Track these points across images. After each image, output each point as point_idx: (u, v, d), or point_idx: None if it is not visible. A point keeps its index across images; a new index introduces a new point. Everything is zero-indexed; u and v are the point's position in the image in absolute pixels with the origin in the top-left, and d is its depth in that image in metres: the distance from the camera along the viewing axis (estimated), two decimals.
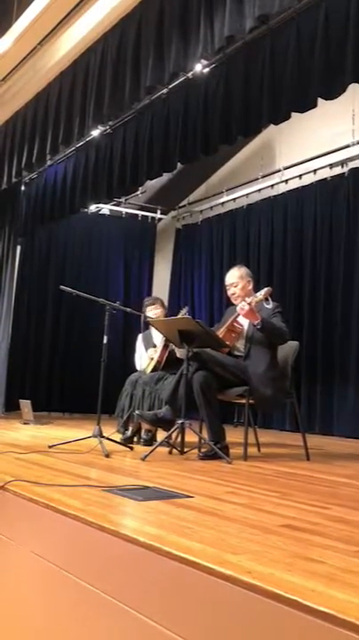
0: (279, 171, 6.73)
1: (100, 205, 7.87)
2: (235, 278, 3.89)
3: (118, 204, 8.01)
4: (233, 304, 3.95)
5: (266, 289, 3.61)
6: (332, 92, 3.80)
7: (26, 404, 5.88)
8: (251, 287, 3.88)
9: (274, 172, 6.83)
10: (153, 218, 8.33)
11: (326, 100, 3.88)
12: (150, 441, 4.22)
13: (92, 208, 7.86)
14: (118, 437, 4.18)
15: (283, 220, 6.66)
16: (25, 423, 5.70)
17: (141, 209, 8.19)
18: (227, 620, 1.25)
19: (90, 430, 3.72)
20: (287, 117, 4.23)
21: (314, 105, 3.96)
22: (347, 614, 1.06)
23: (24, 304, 7.43)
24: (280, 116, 4.23)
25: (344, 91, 3.76)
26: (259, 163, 7.08)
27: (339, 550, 1.53)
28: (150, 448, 3.51)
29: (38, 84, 5.35)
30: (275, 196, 6.83)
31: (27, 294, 7.49)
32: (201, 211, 7.92)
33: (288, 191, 6.65)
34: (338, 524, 1.86)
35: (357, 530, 1.80)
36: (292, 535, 1.68)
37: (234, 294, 3.88)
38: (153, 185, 7.44)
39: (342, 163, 6.05)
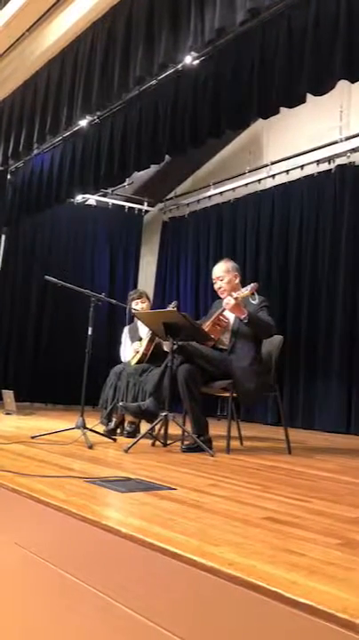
0: (266, 165, 6.73)
1: (87, 196, 7.81)
2: (222, 272, 3.89)
3: (105, 195, 7.96)
4: (219, 298, 3.96)
5: (252, 284, 3.62)
6: (321, 88, 3.80)
7: (8, 395, 5.85)
8: (237, 281, 3.89)
9: (261, 167, 6.83)
10: (139, 210, 8.29)
11: (315, 95, 3.88)
12: (134, 433, 4.23)
13: (79, 198, 7.80)
14: (102, 429, 4.18)
15: (269, 214, 6.68)
16: (7, 414, 5.67)
17: (128, 200, 8.15)
18: (208, 611, 1.27)
19: (73, 421, 3.72)
20: (276, 112, 4.23)
21: (303, 100, 3.96)
22: (327, 606, 1.08)
23: (8, 294, 7.37)
24: (269, 111, 4.23)
25: (333, 87, 3.76)
26: (246, 157, 7.08)
27: (320, 543, 1.55)
28: (133, 440, 3.52)
29: (26, 72, 5.28)
30: (261, 190, 6.84)
31: (12, 284, 7.43)
32: (188, 204, 7.91)
33: (275, 186, 6.66)
34: (318, 517, 1.89)
35: (337, 523, 1.82)
36: (274, 528, 1.70)
37: (220, 288, 3.89)
38: (140, 176, 7.40)
39: (329, 159, 6.07)
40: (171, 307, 4.10)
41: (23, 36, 5.01)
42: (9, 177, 7.03)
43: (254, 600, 1.18)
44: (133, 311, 4.49)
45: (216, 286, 3.93)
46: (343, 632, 1.03)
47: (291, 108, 4.12)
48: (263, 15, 4.01)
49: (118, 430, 4.37)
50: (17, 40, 5.07)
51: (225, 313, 3.77)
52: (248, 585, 1.20)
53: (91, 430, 3.64)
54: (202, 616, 1.27)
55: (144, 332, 4.59)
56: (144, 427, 4.14)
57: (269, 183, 6.75)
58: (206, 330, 3.72)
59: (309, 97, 3.93)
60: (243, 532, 1.63)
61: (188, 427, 3.63)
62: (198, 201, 7.74)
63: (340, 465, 3.41)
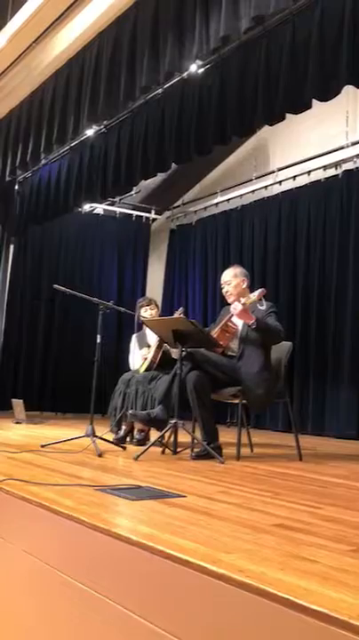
0: (273, 172, 6.74)
1: (94, 205, 7.86)
2: (229, 277, 3.90)
3: (112, 204, 8.00)
4: (228, 304, 3.96)
5: (260, 290, 3.62)
6: (327, 94, 3.80)
7: (18, 404, 5.86)
8: (245, 286, 3.88)
9: (268, 174, 6.84)
10: (147, 218, 8.32)
11: (320, 101, 3.89)
12: (143, 441, 4.22)
13: (86, 207, 7.85)
14: (111, 437, 4.17)
15: (276, 221, 6.67)
16: (17, 422, 5.68)
17: (135, 209, 8.18)
18: (219, 618, 1.26)
19: (82, 430, 3.71)
20: (282, 118, 4.23)
21: (308, 106, 3.96)
22: (339, 613, 1.06)
23: (17, 303, 7.39)
24: (274, 117, 4.24)
25: (338, 93, 3.77)
26: (253, 164, 7.09)
27: (332, 549, 1.54)
28: (143, 448, 3.51)
29: (33, 83, 5.33)
30: (268, 197, 6.83)
31: (21, 293, 7.46)
32: (195, 211, 7.92)
33: (282, 192, 6.66)
34: (330, 524, 1.87)
35: (349, 529, 1.80)
36: (285, 534, 1.69)
37: (227, 292, 3.90)
38: (147, 185, 7.43)
39: (336, 164, 6.07)
40: (178, 313, 4.10)
41: (30, 48, 5.06)
42: (17, 187, 7.09)
43: (266, 607, 1.17)
44: (142, 319, 4.49)
45: (223, 291, 3.95)
46: (357, 639, 1.01)
47: (296, 114, 4.12)
48: (267, 22, 4.03)
49: (128, 438, 4.36)
50: (24, 52, 5.12)
51: (233, 319, 3.77)
52: (259, 592, 1.19)
53: (100, 438, 3.63)
54: (213, 623, 1.26)
55: (152, 339, 4.59)
56: (153, 434, 4.12)
57: (276, 189, 6.75)
58: (214, 336, 3.72)
59: (315, 102, 3.94)
60: (254, 538, 1.62)
61: (198, 434, 3.62)
62: (205, 208, 7.75)
63: (351, 471, 3.38)
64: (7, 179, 6.00)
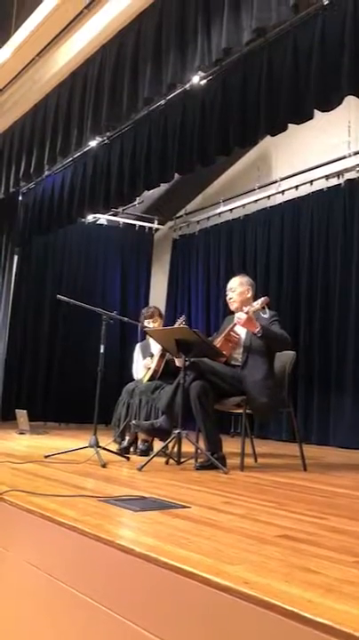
0: (276, 181, 6.76)
1: (98, 215, 7.89)
2: (235, 284, 3.95)
3: (115, 214, 8.03)
4: (231, 313, 3.97)
5: (263, 298, 3.63)
6: (329, 104, 3.83)
7: (22, 414, 5.86)
8: (249, 295, 3.90)
9: (270, 183, 6.86)
10: (150, 228, 8.35)
11: (322, 111, 3.91)
12: (147, 451, 4.21)
13: (90, 218, 7.87)
14: (115, 447, 4.17)
15: (279, 230, 6.68)
16: (21, 433, 5.68)
17: (138, 219, 8.22)
18: (224, 630, 1.25)
19: (86, 440, 3.71)
20: (284, 129, 4.25)
21: (310, 116, 3.99)
22: (344, 625, 1.06)
23: (21, 313, 7.41)
24: (276, 128, 4.26)
25: (340, 103, 3.79)
26: (255, 173, 7.11)
27: (336, 561, 1.53)
28: (147, 458, 3.50)
29: (36, 95, 5.37)
30: (271, 206, 6.85)
31: (24, 304, 7.47)
32: (198, 221, 7.95)
33: (284, 202, 6.68)
34: (334, 535, 1.86)
35: (354, 540, 1.79)
36: (289, 545, 1.68)
37: (231, 299, 3.94)
38: (150, 195, 7.46)
39: (338, 174, 6.08)
40: (180, 321, 4.11)
41: (34, 61, 5.10)
42: (21, 198, 7.13)
43: (270, 619, 1.16)
44: (145, 328, 4.50)
45: (227, 297, 3.99)
46: None
47: (298, 124, 4.14)
48: (269, 34, 4.06)
49: (131, 449, 4.35)
50: (28, 64, 5.16)
51: (236, 329, 3.77)
52: (264, 604, 1.18)
53: (104, 449, 3.63)
54: (217, 635, 1.25)
55: (156, 348, 4.58)
56: (157, 445, 4.11)
57: (279, 199, 6.77)
58: (217, 346, 3.72)
59: (317, 112, 3.96)
60: (258, 550, 1.61)
61: (202, 444, 3.61)
62: (208, 218, 7.77)
63: (356, 481, 3.37)
64: (11, 190, 6.03)
